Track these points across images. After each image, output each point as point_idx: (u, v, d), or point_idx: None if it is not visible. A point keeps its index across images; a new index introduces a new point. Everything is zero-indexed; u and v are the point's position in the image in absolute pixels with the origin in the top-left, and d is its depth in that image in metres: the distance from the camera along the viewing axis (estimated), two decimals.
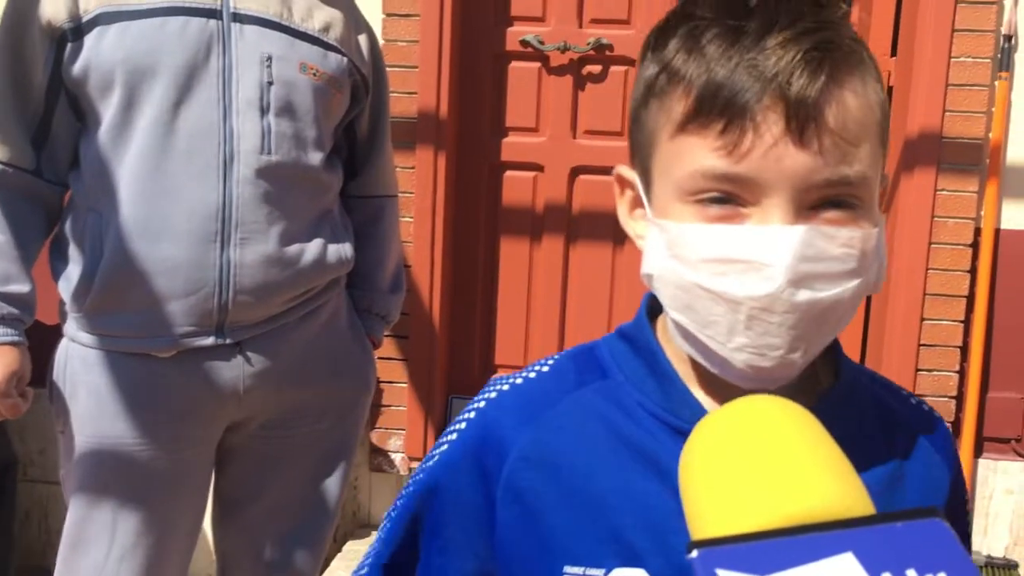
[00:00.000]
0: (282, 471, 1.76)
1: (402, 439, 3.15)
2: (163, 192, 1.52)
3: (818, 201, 0.70)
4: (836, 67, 0.69)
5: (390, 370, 3.13)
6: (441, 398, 3.22)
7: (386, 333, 3.04)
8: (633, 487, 0.76)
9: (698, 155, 0.70)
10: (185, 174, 1.52)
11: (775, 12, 0.70)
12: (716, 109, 0.69)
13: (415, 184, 3.03)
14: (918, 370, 2.95)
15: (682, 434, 0.73)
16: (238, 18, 1.56)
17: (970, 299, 2.92)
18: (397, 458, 3.16)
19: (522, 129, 3.22)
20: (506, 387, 0.85)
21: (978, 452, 3.00)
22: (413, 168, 3.03)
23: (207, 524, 1.81)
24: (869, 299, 3.22)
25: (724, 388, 0.78)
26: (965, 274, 2.91)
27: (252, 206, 1.55)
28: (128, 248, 1.53)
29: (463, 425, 0.85)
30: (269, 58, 1.57)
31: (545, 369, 0.86)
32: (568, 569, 0.76)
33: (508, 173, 3.24)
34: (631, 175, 0.81)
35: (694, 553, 0.52)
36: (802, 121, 0.68)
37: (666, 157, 0.74)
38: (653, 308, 0.85)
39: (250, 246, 1.56)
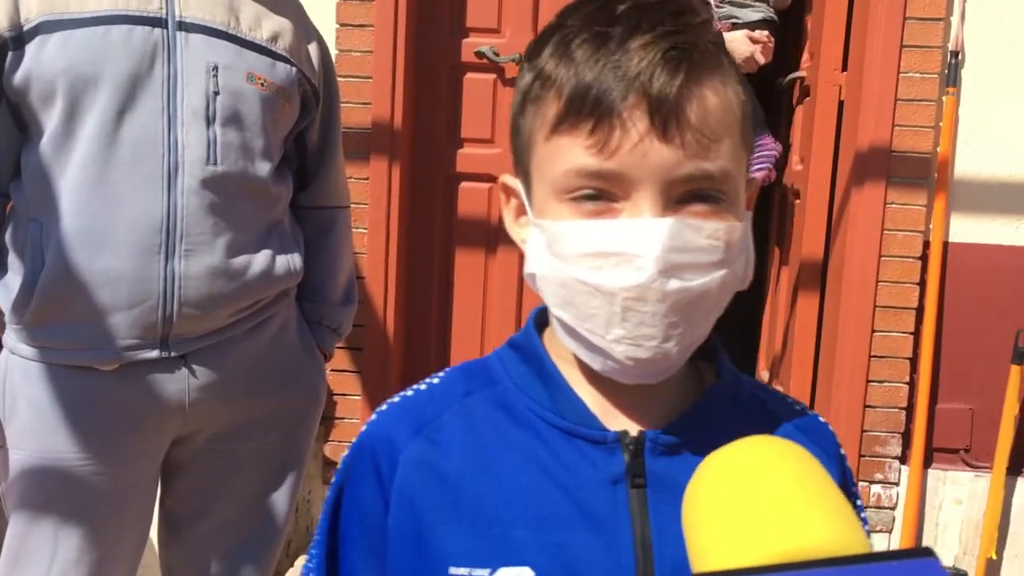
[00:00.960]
0: (229, 486, 1.73)
1: None
2: (106, 203, 1.49)
3: (684, 195, 0.74)
4: (694, 67, 0.73)
5: (344, 382, 3.11)
6: None
7: (340, 345, 3.02)
8: (520, 488, 0.79)
9: (571, 154, 0.74)
10: (128, 184, 1.49)
11: (638, 19, 0.74)
12: (585, 109, 0.73)
13: (369, 195, 3.02)
14: (869, 381, 2.99)
15: (567, 433, 0.81)
16: (183, 27, 1.54)
17: (919, 311, 2.97)
18: None
19: (477, 140, 3.22)
20: (397, 399, 0.89)
21: (928, 462, 3.03)
22: (367, 179, 3.01)
23: (154, 539, 1.78)
24: (821, 310, 3.25)
25: (609, 389, 0.83)
26: (915, 286, 2.96)
27: (197, 217, 1.53)
28: (70, 259, 1.50)
29: (356, 440, 0.88)
30: (215, 67, 1.55)
31: (436, 381, 0.90)
32: (453, 570, 0.78)
33: (463, 184, 3.24)
34: (514, 183, 0.85)
35: None
36: (664, 117, 0.72)
37: (542, 158, 0.78)
38: (542, 320, 0.89)
39: (195, 258, 1.54)
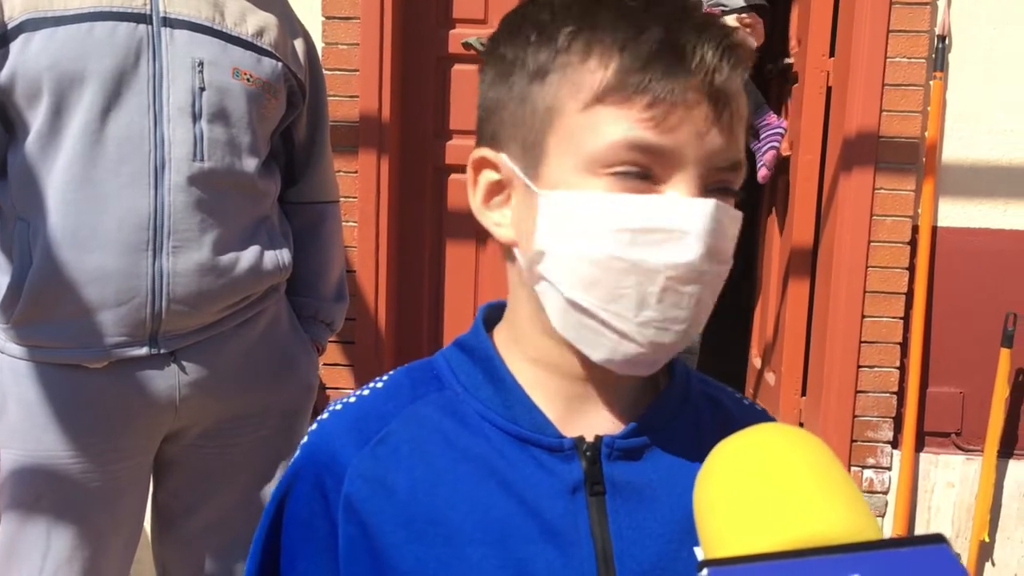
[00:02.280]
0: (222, 481, 1.73)
1: None
2: (92, 200, 1.49)
3: (712, 184, 0.73)
4: (741, 61, 0.73)
5: (336, 376, 3.10)
6: None
7: (332, 339, 3.02)
8: (473, 500, 0.75)
9: (619, 126, 0.70)
10: (115, 182, 1.49)
11: (667, 1, 0.74)
12: (642, 84, 0.70)
13: (358, 188, 3.01)
14: (859, 366, 3.00)
15: (522, 440, 0.77)
16: (168, 23, 1.53)
17: (909, 296, 2.97)
18: None
19: (466, 132, 3.21)
20: (339, 407, 0.83)
21: (919, 446, 3.05)
22: (356, 172, 3.01)
23: (147, 535, 1.78)
24: (811, 297, 3.26)
25: (566, 393, 0.79)
26: (904, 271, 2.96)
27: (185, 214, 1.53)
28: (57, 257, 1.50)
29: (299, 452, 0.83)
30: (201, 63, 1.54)
31: (379, 385, 0.84)
32: None
33: (453, 176, 3.23)
34: (496, 157, 0.78)
35: (704, 572, 0.54)
36: (722, 105, 0.71)
37: (576, 128, 0.72)
38: (489, 319, 0.85)
39: (183, 254, 1.53)
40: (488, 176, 0.79)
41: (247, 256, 1.62)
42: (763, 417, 0.89)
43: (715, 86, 0.71)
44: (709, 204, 0.71)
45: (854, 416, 3.02)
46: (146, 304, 1.52)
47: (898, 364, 3.01)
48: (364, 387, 0.84)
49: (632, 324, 0.72)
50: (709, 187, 0.72)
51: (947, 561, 0.53)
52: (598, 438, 0.77)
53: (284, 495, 0.82)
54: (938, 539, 0.53)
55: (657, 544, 0.75)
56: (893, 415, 3.03)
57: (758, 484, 0.60)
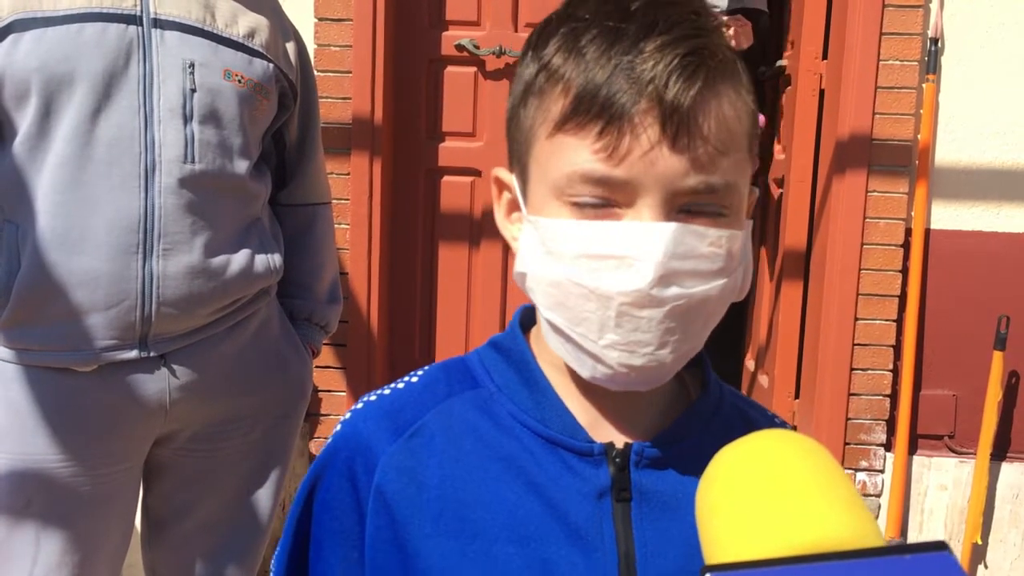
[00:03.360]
0: (212, 485, 1.72)
1: None
2: (82, 203, 1.48)
3: (686, 205, 0.71)
4: (711, 75, 0.70)
5: (328, 379, 3.09)
6: None
7: (325, 342, 3.01)
8: (501, 498, 0.76)
9: (576, 155, 0.71)
10: (105, 184, 1.48)
11: (654, 17, 0.71)
12: (594, 110, 0.70)
13: (351, 190, 3.00)
14: (853, 369, 3.00)
15: (552, 443, 0.78)
16: (159, 24, 1.52)
17: (902, 298, 2.98)
18: None
19: (459, 134, 3.21)
20: (374, 398, 0.85)
21: (912, 449, 3.05)
22: (348, 174, 3.00)
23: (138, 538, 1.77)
24: (804, 300, 3.26)
25: (596, 396, 0.80)
26: (897, 274, 2.96)
27: (175, 216, 1.52)
28: (46, 260, 1.49)
29: (331, 440, 0.84)
30: (192, 65, 1.53)
31: (415, 380, 0.86)
32: None
33: (446, 178, 3.23)
34: (508, 177, 0.81)
35: None
36: (676, 126, 0.69)
37: (543, 155, 0.74)
38: (526, 321, 0.86)
39: (173, 257, 1.52)
40: (507, 194, 0.82)
41: (238, 259, 1.61)
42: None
43: (667, 103, 0.68)
44: (666, 229, 0.69)
45: (847, 419, 3.02)
46: (136, 307, 1.51)
47: (891, 367, 3.01)
48: (399, 380, 0.85)
49: (597, 346, 0.73)
50: (680, 208, 0.71)
51: (950, 568, 0.53)
52: (627, 445, 0.78)
53: (315, 482, 0.83)
54: (941, 546, 0.53)
55: (679, 554, 0.76)
56: (886, 418, 3.03)
57: (760, 490, 0.60)
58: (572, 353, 0.76)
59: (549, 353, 0.81)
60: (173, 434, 1.66)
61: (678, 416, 0.81)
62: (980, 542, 2.98)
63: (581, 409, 0.80)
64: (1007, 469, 3.04)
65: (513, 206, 0.81)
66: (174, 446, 1.68)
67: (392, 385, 0.85)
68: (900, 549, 0.53)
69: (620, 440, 0.79)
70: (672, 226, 0.69)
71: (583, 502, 0.76)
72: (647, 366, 0.73)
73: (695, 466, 0.75)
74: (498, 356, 0.84)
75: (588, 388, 0.79)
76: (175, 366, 1.58)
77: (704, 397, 0.83)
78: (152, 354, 1.56)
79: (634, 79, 0.69)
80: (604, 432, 0.79)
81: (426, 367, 0.87)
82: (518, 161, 0.79)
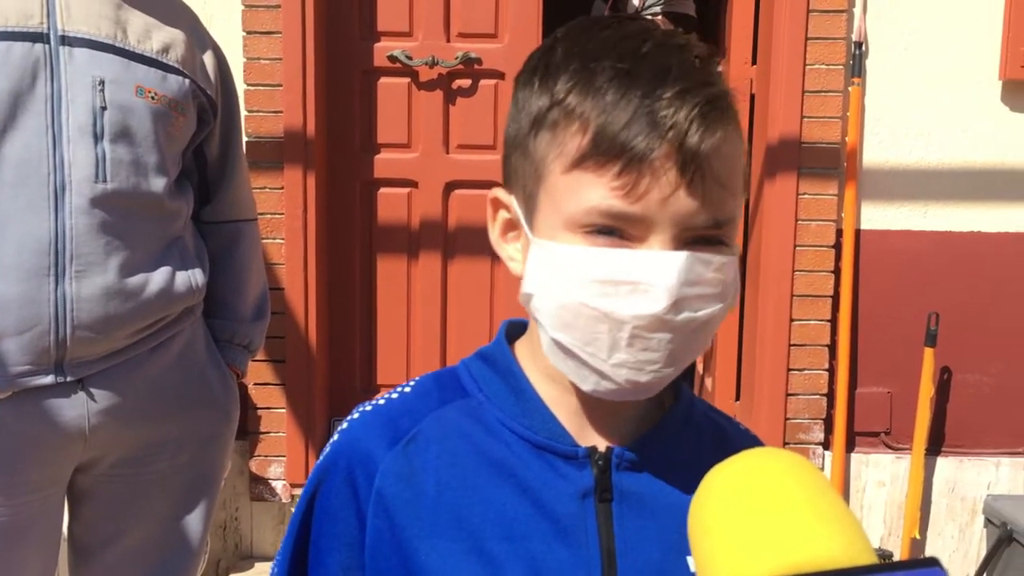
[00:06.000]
0: (138, 511, 1.69)
1: (283, 466, 3.08)
2: None
3: (692, 238, 0.76)
4: (724, 123, 0.75)
5: (267, 396, 3.06)
6: (322, 421, 3.16)
7: (262, 358, 2.98)
8: (493, 500, 0.81)
9: (594, 193, 0.75)
10: (12, 206, 1.45)
11: (666, 62, 0.75)
12: (615, 151, 0.73)
13: (285, 204, 2.97)
14: (790, 370, 3.03)
15: (539, 448, 0.83)
16: (67, 41, 1.49)
17: (835, 299, 3.02)
18: (278, 486, 3.08)
19: (394, 145, 3.19)
20: (369, 408, 0.89)
21: (850, 447, 3.09)
22: (282, 188, 2.97)
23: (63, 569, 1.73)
24: (742, 303, 3.29)
25: (580, 404, 0.85)
26: (829, 274, 3.01)
27: (88, 237, 1.49)
28: None
29: (329, 449, 0.88)
30: (102, 82, 1.50)
31: (408, 390, 0.90)
32: None
33: (382, 190, 3.21)
34: (508, 198, 0.84)
35: None
36: (693, 171, 0.73)
37: (558, 189, 0.77)
38: (511, 332, 0.90)
39: (87, 279, 1.49)
40: (504, 214, 0.86)
41: (157, 278, 1.58)
42: (756, 443, 0.94)
43: (686, 149, 0.72)
44: (678, 258, 0.74)
45: (786, 419, 3.05)
46: (49, 331, 1.48)
47: (827, 366, 3.05)
48: (392, 391, 0.90)
49: (607, 365, 0.77)
50: (689, 240, 0.76)
51: None
52: (609, 449, 0.83)
53: (316, 489, 0.86)
54: (933, 562, 0.55)
55: (657, 550, 0.81)
56: (823, 417, 3.06)
57: (754, 509, 0.61)
58: (576, 370, 0.80)
59: (536, 363, 0.85)
60: (95, 460, 1.62)
61: (655, 423, 0.86)
62: (918, 536, 3.03)
63: (566, 415, 0.84)
64: (942, 463, 3.09)
65: (510, 226, 0.85)
66: (96, 472, 1.64)
67: (386, 396, 0.89)
68: (893, 566, 0.55)
69: (602, 444, 0.84)
70: (684, 255, 0.74)
71: (568, 502, 0.81)
72: (651, 382, 0.78)
73: (669, 469, 0.84)
74: (485, 366, 0.88)
75: (575, 397, 0.84)
76: (94, 390, 1.55)
77: (677, 405, 0.88)
78: (69, 379, 1.52)
79: (655, 123, 0.73)
80: (588, 437, 0.84)
81: (417, 378, 0.92)
82: (523, 188, 0.82)
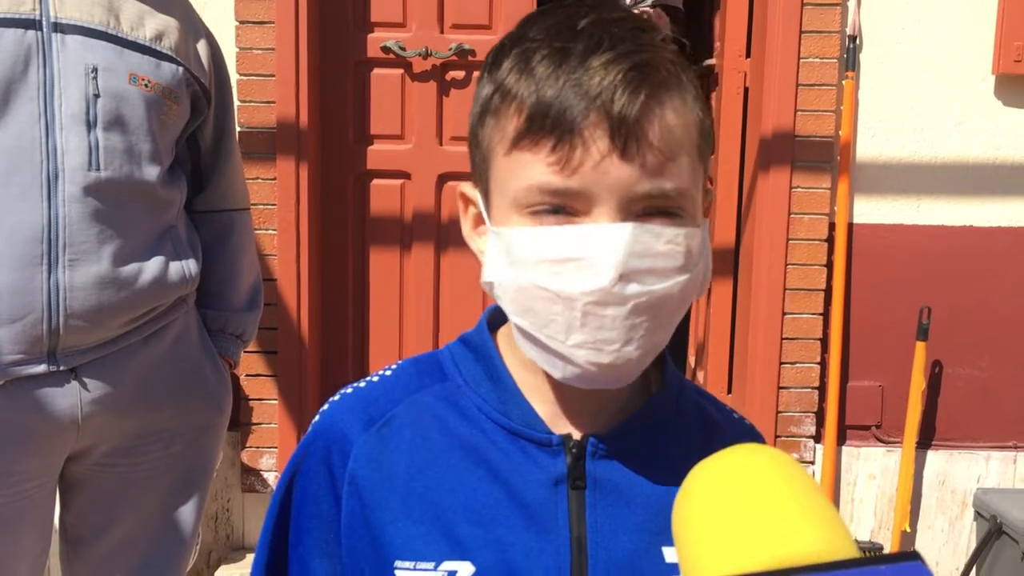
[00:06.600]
0: (131, 502, 1.68)
1: (274, 457, 3.07)
2: None
3: (642, 211, 0.75)
4: (655, 87, 0.74)
5: (259, 387, 3.05)
6: (314, 413, 3.14)
7: (254, 349, 2.98)
8: (464, 484, 0.82)
9: (532, 170, 0.75)
10: (4, 194, 1.43)
11: (600, 35, 0.75)
12: (546, 126, 0.73)
13: (277, 195, 2.96)
14: (782, 363, 3.04)
15: (514, 434, 0.83)
16: (59, 28, 1.48)
17: (828, 292, 3.02)
18: (270, 477, 3.08)
19: (387, 137, 3.18)
20: (350, 390, 0.90)
21: (841, 440, 3.10)
22: (275, 179, 2.96)
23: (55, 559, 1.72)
24: (734, 296, 3.30)
25: (558, 392, 0.84)
26: (822, 268, 3.01)
27: (81, 225, 1.48)
28: None
29: (310, 430, 0.89)
30: (95, 69, 1.49)
31: (388, 373, 0.91)
32: (399, 563, 0.80)
33: (375, 182, 3.20)
34: (472, 193, 0.85)
35: None
36: (624, 136, 0.72)
37: (502, 171, 0.78)
38: (494, 320, 0.90)
39: (80, 267, 1.48)
40: (472, 209, 0.86)
41: (150, 267, 1.57)
42: (750, 431, 0.94)
43: (614, 116, 0.72)
44: (622, 229, 0.73)
45: (777, 412, 3.06)
46: (42, 320, 1.47)
47: (819, 359, 3.06)
48: (373, 375, 0.91)
49: (565, 347, 0.76)
50: (638, 214, 0.75)
51: None
52: (585, 436, 0.83)
53: (295, 469, 0.88)
54: (914, 556, 0.55)
55: (630, 539, 0.81)
56: (815, 410, 3.07)
57: (737, 505, 0.61)
58: (542, 356, 0.79)
59: (516, 350, 0.85)
60: (88, 450, 1.61)
61: (636, 410, 0.85)
62: (909, 529, 3.05)
63: (544, 403, 0.84)
64: (932, 457, 3.10)
65: (479, 220, 0.85)
66: (89, 462, 1.63)
67: (368, 378, 0.91)
68: (875, 560, 0.55)
69: (579, 432, 0.84)
70: (628, 226, 0.73)
71: (539, 488, 0.81)
72: (615, 363, 0.76)
73: (650, 458, 0.84)
74: (467, 351, 0.89)
75: (553, 384, 0.84)
76: (86, 379, 1.54)
77: (661, 393, 0.87)
78: (62, 368, 1.51)
79: (582, 94, 0.72)
80: (565, 425, 0.84)
81: (400, 361, 0.92)
82: (480, 178, 0.83)
